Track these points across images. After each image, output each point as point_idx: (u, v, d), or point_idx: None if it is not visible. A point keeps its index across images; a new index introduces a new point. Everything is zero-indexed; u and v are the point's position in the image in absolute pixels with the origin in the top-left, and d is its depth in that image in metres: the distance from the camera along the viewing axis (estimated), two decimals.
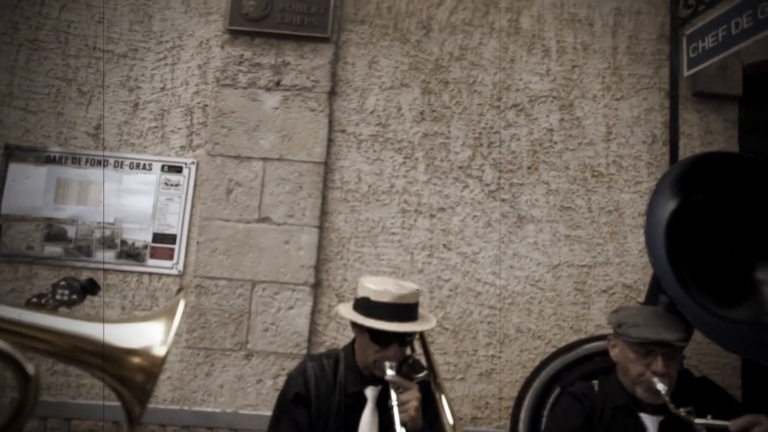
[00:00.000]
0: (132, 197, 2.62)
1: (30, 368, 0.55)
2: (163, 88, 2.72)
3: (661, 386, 1.61)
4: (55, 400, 2.30)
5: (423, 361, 1.74)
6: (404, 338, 1.64)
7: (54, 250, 2.57)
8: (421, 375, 1.67)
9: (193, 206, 2.62)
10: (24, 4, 2.75)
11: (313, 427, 1.68)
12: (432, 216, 2.62)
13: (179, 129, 2.69)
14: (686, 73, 2.54)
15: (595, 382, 1.84)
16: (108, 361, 0.55)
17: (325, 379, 1.72)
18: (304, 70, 2.66)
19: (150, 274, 2.57)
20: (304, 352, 2.45)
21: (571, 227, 2.63)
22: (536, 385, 2.29)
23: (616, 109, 2.72)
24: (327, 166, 2.63)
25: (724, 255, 1.92)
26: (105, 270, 2.57)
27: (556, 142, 2.69)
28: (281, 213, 2.55)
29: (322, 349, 2.44)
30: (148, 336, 0.56)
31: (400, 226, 2.61)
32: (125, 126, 2.69)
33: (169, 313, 0.57)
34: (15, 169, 2.63)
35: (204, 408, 2.34)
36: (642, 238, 2.51)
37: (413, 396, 1.55)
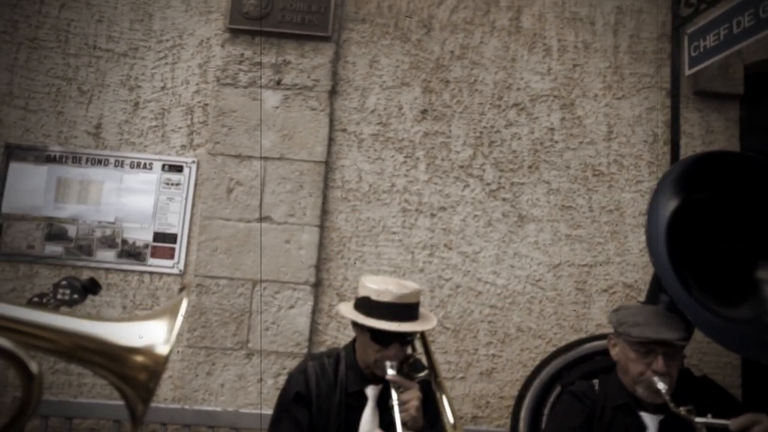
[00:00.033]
0: (132, 196, 2.62)
1: (33, 366, 0.55)
2: (163, 87, 2.72)
3: (661, 385, 1.61)
4: (56, 399, 2.30)
5: (424, 360, 1.74)
6: (405, 338, 1.64)
7: (55, 249, 2.57)
8: (421, 374, 1.67)
9: (193, 205, 2.62)
10: (24, 2, 2.75)
11: (314, 426, 1.68)
12: (433, 215, 2.62)
13: (180, 128, 2.69)
14: (687, 72, 2.53)
15: (596, 382, 1.84)
16: (111, 360, 0.55)
17: (325, 378, 1.72)
18: (305, 69, 2.66)
19: (151, 273, 2.57)
20: (305, 351, 2.45)
21: (572, 226, 2.63)
22: (537, 384, 2.29)
23: (617, 108, 2.71)
24: (328, 166, 2.63)
25: (725, 254, 1.92)
26: (106, 269, 2.57)
27: (557, 142, 2.69)
28: (282, 212, 2.56)
29: (322, 349, 2.44)
30: (151, 335, 0.56)
31: (401, 225, 2.61)
32: (126, 125, 2.69)
33: (172, 312, 0.57)
34: (15, 169, 2.63)
35: (205, 407, 2.34)
36: (643, 238, 2.51)
37: (414, 395, 1.55)
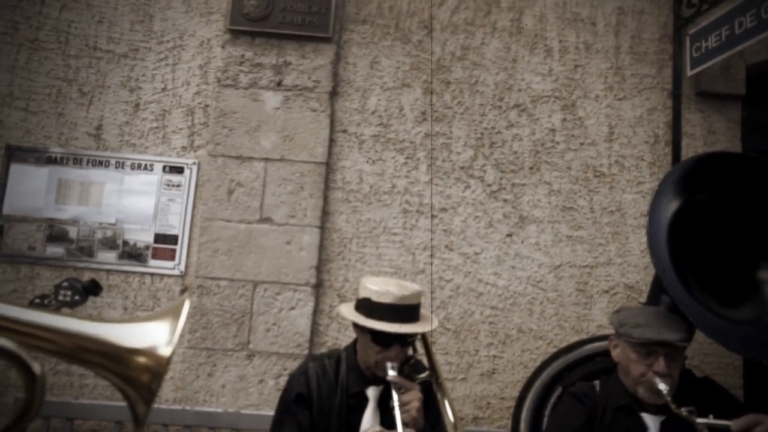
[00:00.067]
0: (133, 198, 2.63)
1: (36, 367, 0.55)
2: (164, 89, 2.72)
3: (662, 386, 1.61)
4: (58, 400, 2.30)
5: (425, 361, 1.74)
6: (406, 339, 1.64)
7: (56, 250, 2.57)
8: (422, 375, 1.67)
9: (194, 207, 2.62)
10: (24, 3, 2.75)
11: (315, 427, 1.68)
12: (434, 216, 2.62)
13: (180, 129, 2.69)
14: (689, 72, 2.53)
15: (597, 383, 1.84)
16: (113, 361, 0.55)
17: (326, 379, 1.72)
18: (306, 70, 2.66)
19: (152, 274, 2.57)
20: (306, 352, 2.45)
21: (573, 228, 2.62)
22: (538, 385, 2.28)
23: (618, 109, 2.71)
24: (328, 167, 2.63)
25: (727, 255, 1.91)
26: (107, 271, 2.57)
27: (558, 143, 2.69)
28: (283, 213, 2.56)
29: (323, 350, 2.44)
30: (154, 336, 0.56)
31: (402, 226, 2.61)
32: (126, 126, 2.69)
33: (174, 313, 0.57)
34: (16, 170, 2.63)
35: (206, 408, 2.34)
36: (644, 239, 2.51)
37: (415, 396, 1.55)
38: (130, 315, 2.55)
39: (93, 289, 1.62)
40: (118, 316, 2.54)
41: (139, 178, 2.64)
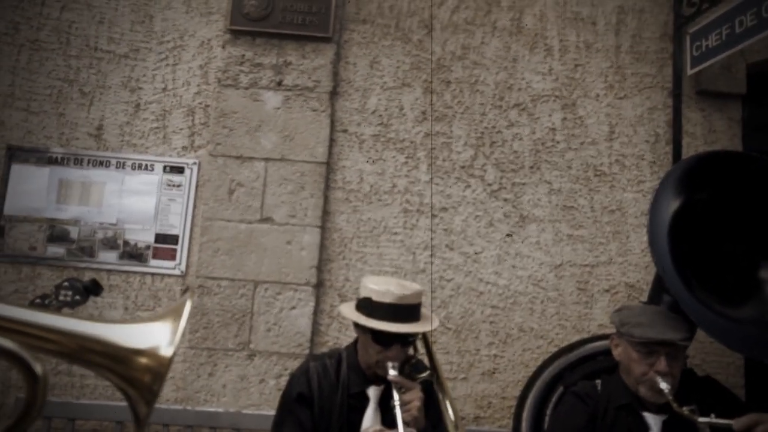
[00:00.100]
0: (134, 198, 2.63)
1: (38, 368, 0.55)
2: (164, 89, 2.72)
3: (664, 385, 1.61)
4: (59, 400, 2.30)
5: (426, 360, 1.74)
6: (406, 339, 1.64)
7: (57, 250, 2.58)
8: (423, 375, 1.67)
9: (195, 207, 2.62)
10: (25, 4, 2.75)
11: (316, 427, 1.68)
12: (434, 216, 2.62)
13: (181, 129, 2.69)
14: (689, 71, 2.53)
15: (598, 382, 1.84)
16: (115, 362, 0.55)
17: (327, 378, 1.72)
18: (306, 70, 2.66)
19: (153, 274, 2.57)
20: (307, 352, 2.45)
21: (574, 227, 2.62)
22: (539, 384, 2.28)
23: (618, 108, 2.71)
24: (329, 166, 2.63)
25: (728, 254, 1.91)
26: (108, 271, 2.57)
27: (558, 142, 2.69)
28: (283, 213, 2.56)
29: (324, 349, 2.44)
30: (155, 336, 0.56)
31: (402, 226, 2.61)
32: (127, 127, 2.69)
33: (176, 314, 0.57)
34: (17, 170, 2.63)
35: (207, 408, 2.34)
36: (645, 238, 2.50)
37: (416, 396, 1.55)
38: (131, 315, 2.55)
39: (94, 289, 1.62)
40: (119, 316, 2.55)
41: (140, 178, 2.64)
